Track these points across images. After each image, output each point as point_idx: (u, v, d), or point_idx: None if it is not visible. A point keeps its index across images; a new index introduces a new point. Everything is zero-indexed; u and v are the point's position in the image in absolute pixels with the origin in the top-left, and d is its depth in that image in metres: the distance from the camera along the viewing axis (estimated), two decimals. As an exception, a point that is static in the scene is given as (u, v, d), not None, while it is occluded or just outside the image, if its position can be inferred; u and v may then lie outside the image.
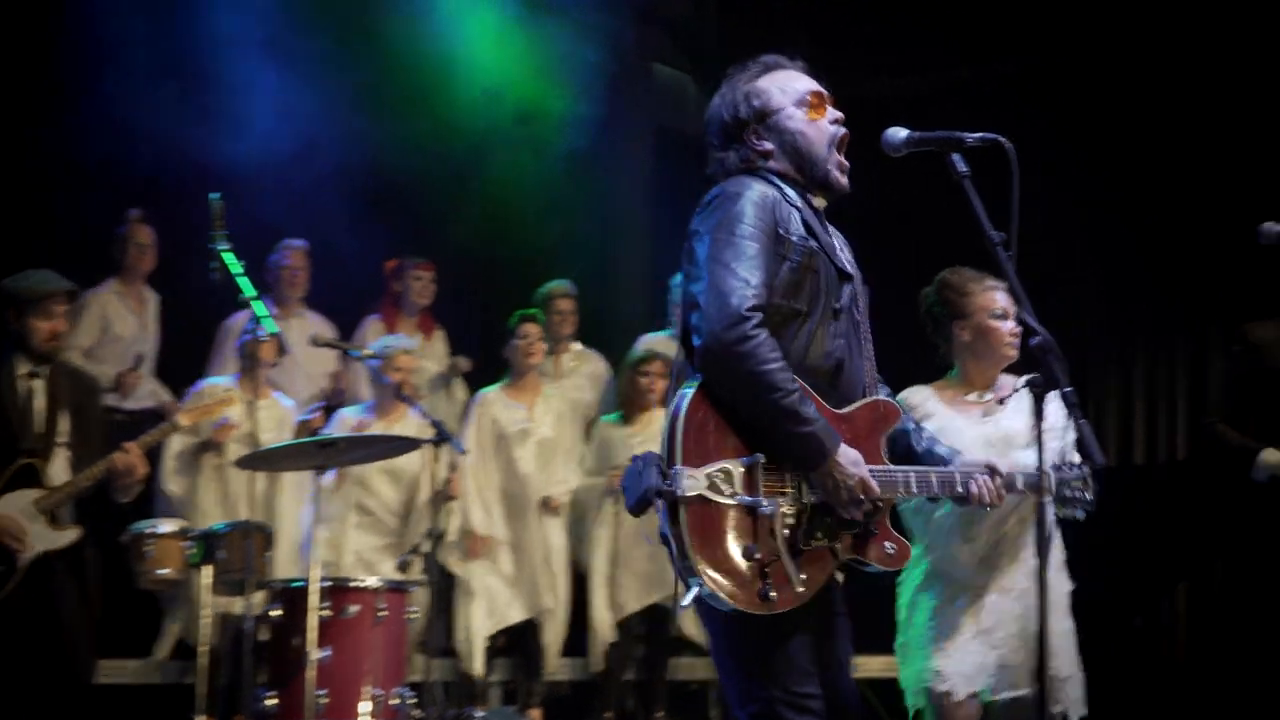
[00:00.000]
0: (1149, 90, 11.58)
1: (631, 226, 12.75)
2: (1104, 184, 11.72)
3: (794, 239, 4.65)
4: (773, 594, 4.44)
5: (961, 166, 4.65)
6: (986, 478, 4.98)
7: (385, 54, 11.28)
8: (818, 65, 5.00)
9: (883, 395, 4.92)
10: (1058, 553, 6.20)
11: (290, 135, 10.47)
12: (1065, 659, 6.17)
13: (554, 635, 10.25)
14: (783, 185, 4.78)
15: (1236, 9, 11.11)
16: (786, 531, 4.50)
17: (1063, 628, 6.20)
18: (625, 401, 10.41)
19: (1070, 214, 11.35)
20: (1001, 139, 4.61)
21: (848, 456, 4.56)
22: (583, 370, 11.10)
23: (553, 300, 10.90)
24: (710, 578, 4.40)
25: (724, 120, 4.92)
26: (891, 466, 4.77)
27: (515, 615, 10.19)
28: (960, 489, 4.90)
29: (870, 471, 4.61)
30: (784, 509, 4.51)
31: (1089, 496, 5.38)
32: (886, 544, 4.69)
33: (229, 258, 7.88)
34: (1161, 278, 11.64)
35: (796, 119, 4.85)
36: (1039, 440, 4.58)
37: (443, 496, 9.14)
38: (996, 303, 6.02)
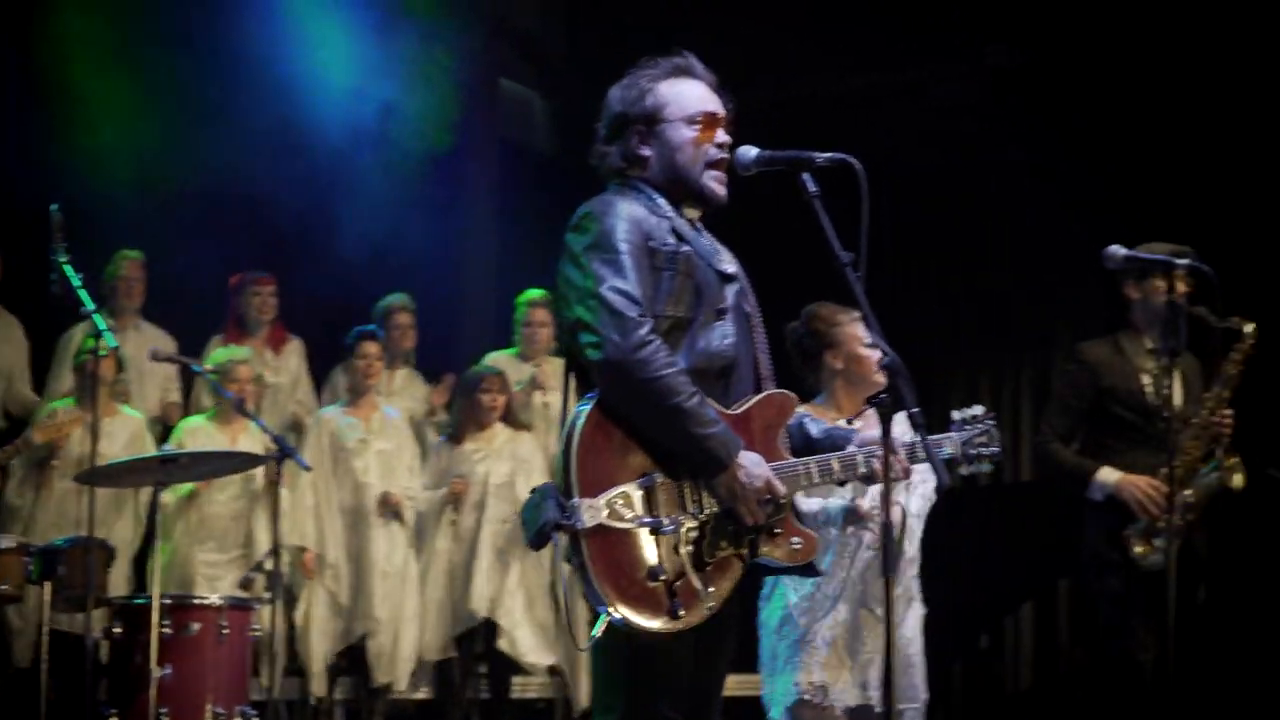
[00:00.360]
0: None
1: (478, 241, 12.73)
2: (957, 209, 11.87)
3: (666, 249, 4.65)
4: (682, 611, 4.42)
5: (812, 186, 4.64)
6: (867, 454, 4.92)
7: (231, 63, 11.19)
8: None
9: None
10: (912, 570, 6.28)
11: (135, 146, 10.38)
12: (916, 675, 6.31)
13: (393, 645, 10.18)
14: (654, 195, 4.79)
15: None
16: (691, 547, 4.48)
17: (915, 647, 6.33)
18: (465, 418, 10.39)
19: (920, 236, 11.48)
20: (851, 159, 4.61)
21: (749, 459, 4.54)
22: (413, 392, 11.09)
23: (392, 314, 10.89)
24: (618, 605, 4.38)
25: (616, 112, 4.91)
26: (793, 460, 4.75)
27: (355, 633, 10.16)
28: (864, 469, 4.85)
29: (772, 468, 4.61)
30: (686, 525, 4.49)
31: (995, 449, 5.26)
32: (793, 540, 4.69)
33: (68, 270, 7.73)
34: (1004, 299, 11.79)
35: (681, 135, 4.83)
36: (885, 459, 4.55)
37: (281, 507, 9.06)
38: (865, 333, 6.07)
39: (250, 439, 9.60)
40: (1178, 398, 7.75)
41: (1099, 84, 11.46)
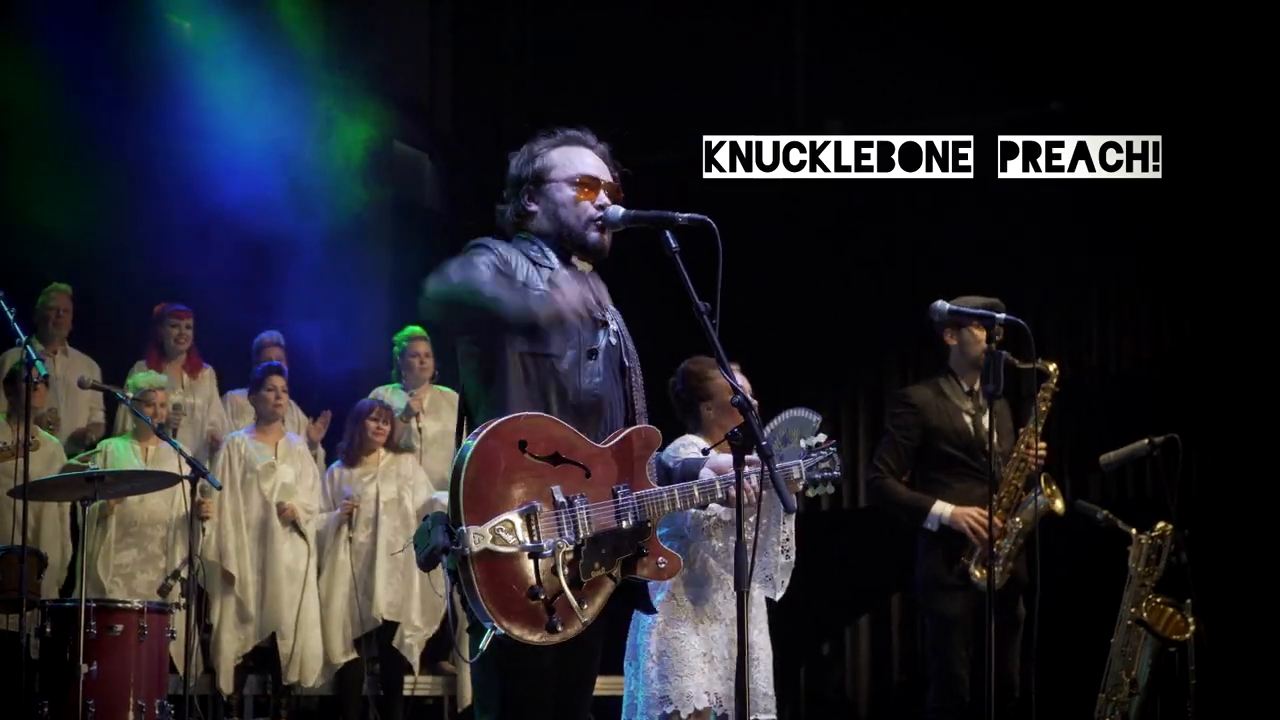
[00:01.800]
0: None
1: (373, 288, 12.87)
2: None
3: (527, 283, 4.79)
4: (560, 625, 4.53)
5: (673, 244, 4.72)
6: (724, 481, 4.99)
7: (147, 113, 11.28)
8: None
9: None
10: (758, 592, 6.43)
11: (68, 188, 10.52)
12: (763, 678, 6.44)
13: (300, 647, 10.29)
14: (544, 247, 4.93)
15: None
16: (567, 569, 4.56)
17: (765, 653, 6.46)
18: (356, 445, 10.58)
19: (772, 289, 11.64)
20: (708, 219, 4.69)
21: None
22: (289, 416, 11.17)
23: (265, 349, 11.12)
24: (502, 622, 4.46)
25: (511, 175, 5.03)
26: (658, 488, 4.85)
27: (259, 636, 10.27)
28: (721, 494, 4.94)
29: (638, 495, 4.74)
30: (563, 548, 4.56)
31: (837, 473, 5.40)
32: (659, 559, 4.79)
33: (1, 303, 7.85)
34: (842, 345, 12.00)
35: (564, 193, 4.94)
36: (738, 489, 4.62)
37: (200, 522, 9.16)
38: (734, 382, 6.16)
39: (167, 457, 9.60)
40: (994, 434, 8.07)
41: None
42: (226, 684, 10.16)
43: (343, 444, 10.78)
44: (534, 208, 4.98)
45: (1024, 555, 8.14)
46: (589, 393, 4.82)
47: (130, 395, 9.52)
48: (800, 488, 5.41)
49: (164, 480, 8.83)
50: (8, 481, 8.97)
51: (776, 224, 11.99)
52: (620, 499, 4.72)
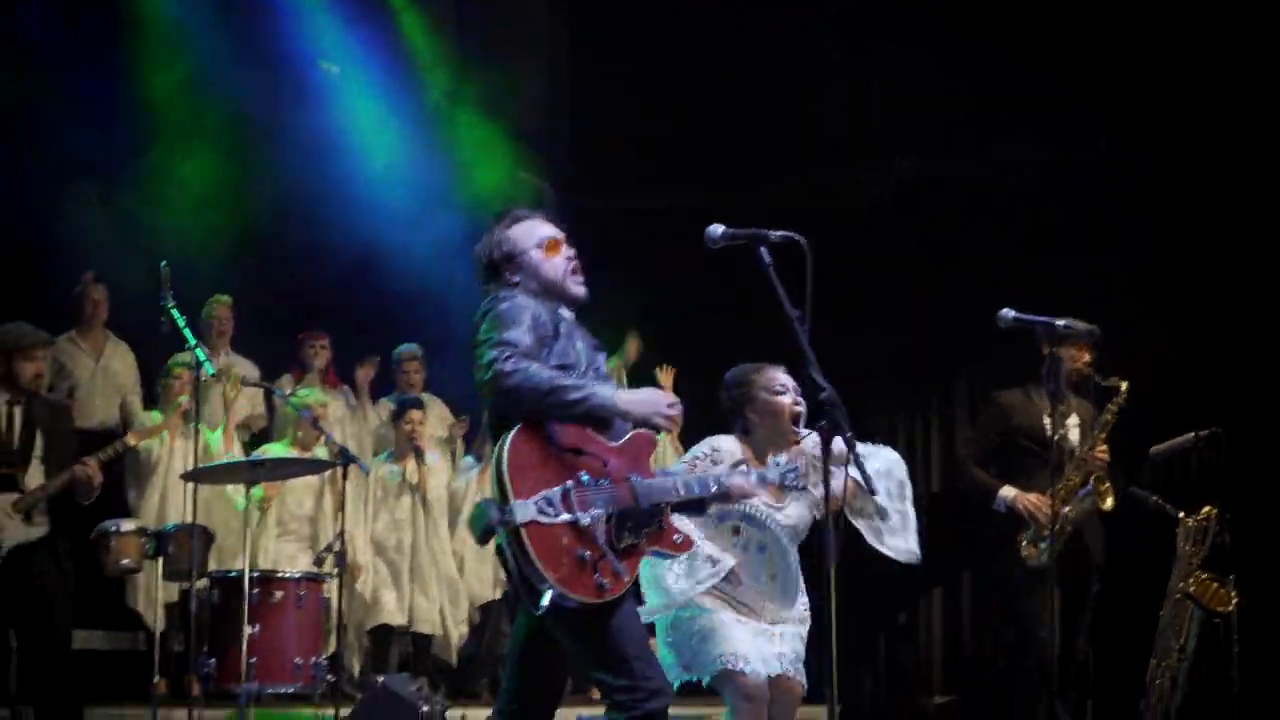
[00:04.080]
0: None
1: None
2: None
3: (548, 331, 4.86)
4: (605, 584, 4.64)
5: (766, 258, 4.79)
6: (740, 478, 5.30)
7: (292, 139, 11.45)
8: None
9: None
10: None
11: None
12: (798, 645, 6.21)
13: (439, 611, 10.36)
14: (535, 300, 4.97)
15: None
16: (604, 537, 4.69)
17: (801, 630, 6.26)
18: (481, 446, 10.47)
19: (849, 300, 11.62)
20: (798, 237, 4.76)
21: (630, 395, 4.90)
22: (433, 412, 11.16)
23: (403, 361, 11.13)
24: (555, 582, 4.56)
25: (483, 262, 5.12)
26: (665, 473, 5.13)
27: (399, 615, 10.26)
28: (717, 488, 5.16)
29: (647, 481, 4.87)
30: (599, 518, 4.69)
31: (802, 484, 5.67)
32: (675, 535, 4.94)
33: (175, 314, 7.96)
34: (917, 355, 11.97)
35: (536, 258, 5.04)
36: (825, 474, 4.74)
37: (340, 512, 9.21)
38: (774, 380, 6.07)
39: (320, 450, 9.74)
40: (1075, 435, 8.33)
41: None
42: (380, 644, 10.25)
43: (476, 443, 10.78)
44: (517, 279, 5.05)
45: (1099, 538, 8.41)
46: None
47: (295, 401, 9.55)
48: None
49: (317, 466, 8.94)
50: (181, 466, 9.15)
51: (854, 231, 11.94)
52: (635, 484, 4.84)
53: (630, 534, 4.77)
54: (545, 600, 4.59)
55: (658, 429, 4.91)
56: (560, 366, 4.81)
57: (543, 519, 4.58)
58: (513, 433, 4.67)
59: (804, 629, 6.18)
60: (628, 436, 4.93)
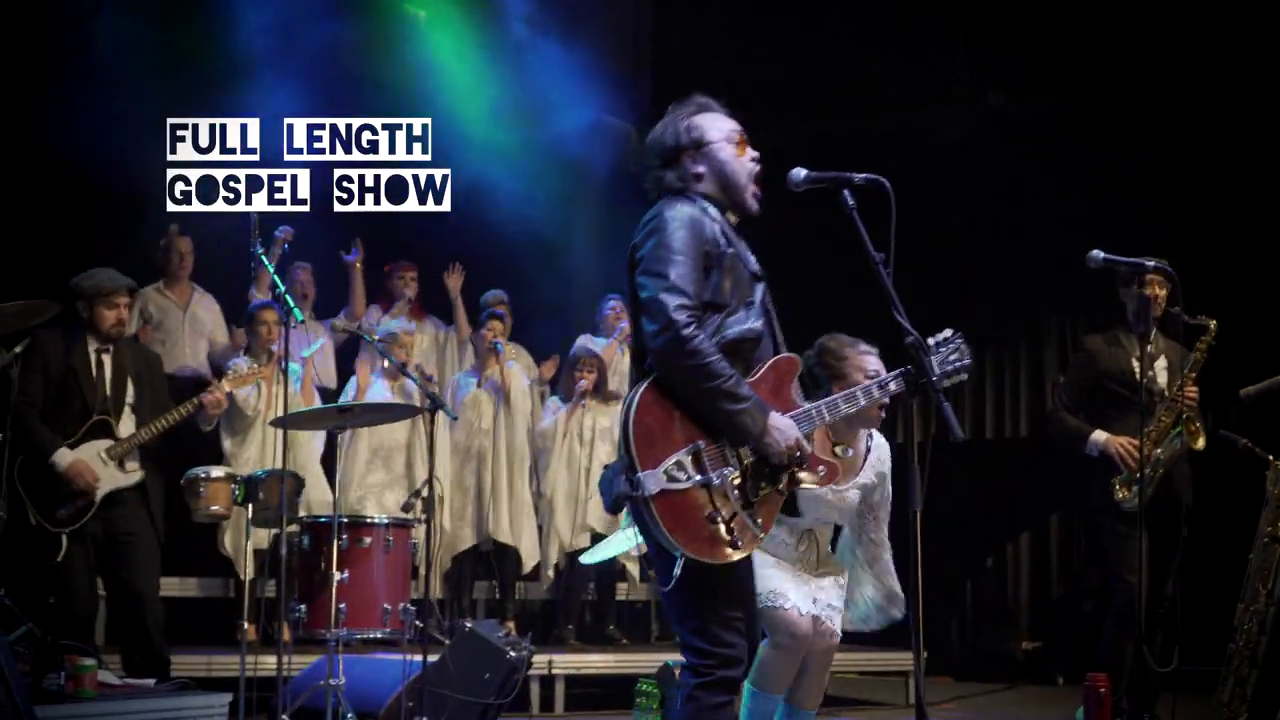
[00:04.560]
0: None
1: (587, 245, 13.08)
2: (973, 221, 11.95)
3: (716, 252, 4.67)
4: (740, 542, 4.55)
5: (850, 201, 4.70)
6: (867, 388, 5.02)
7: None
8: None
9: None
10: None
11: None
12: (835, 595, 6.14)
13: (519, 561, 10.49)
14: (706, 205, 4.79)
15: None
16: (737, 492, 4.57)
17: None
18: (567, 386, 10.60)
19: (941, 241, 11.55)
20: (882, 179, 4.68)
21: (779, 423, 4.59)
22: (520, 361, 11.22)
23: (489, 306, 11.09)
24: (688, 549, 4.49)
25: (666, 145, 4.92)
26: (806, 405, 4.82)
27: (484, 545, 10.46)
28: (862, 400, 4.97)
29: (791, 416, 4.67)
30: (731, 476, 4.56)
31: (967, 360, 5.16)
32: (819, 468, 4.76)
33: (266, 260, 8.11)
34: (1007, 294, 11.89)
35: (726, 152, 4.87)
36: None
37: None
38: (869, 366, 5.89)
39: (407, 394, 9.86)
40: (1163, 378, 8.26)
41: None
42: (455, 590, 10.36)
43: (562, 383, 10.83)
44: (701, 169, 4.88)
45: (1188, 482, 8.32)
46: (746, 338, 4.70)
47: (377, 338, 9.61)
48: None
49: (406, 412, 8.93)
50: (270, 413, 9.22)
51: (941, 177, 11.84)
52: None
53: (767, 481, 4.65)
54: (678, 569, 4.53)
55: (777, 462, 4.66)
56: (710, 305, 4.64)
57: (673, 486, 4.49)
58: (643, 388, 4.56)
59: (844, 578, 6.14)
60: (767, 365, 4.78)
